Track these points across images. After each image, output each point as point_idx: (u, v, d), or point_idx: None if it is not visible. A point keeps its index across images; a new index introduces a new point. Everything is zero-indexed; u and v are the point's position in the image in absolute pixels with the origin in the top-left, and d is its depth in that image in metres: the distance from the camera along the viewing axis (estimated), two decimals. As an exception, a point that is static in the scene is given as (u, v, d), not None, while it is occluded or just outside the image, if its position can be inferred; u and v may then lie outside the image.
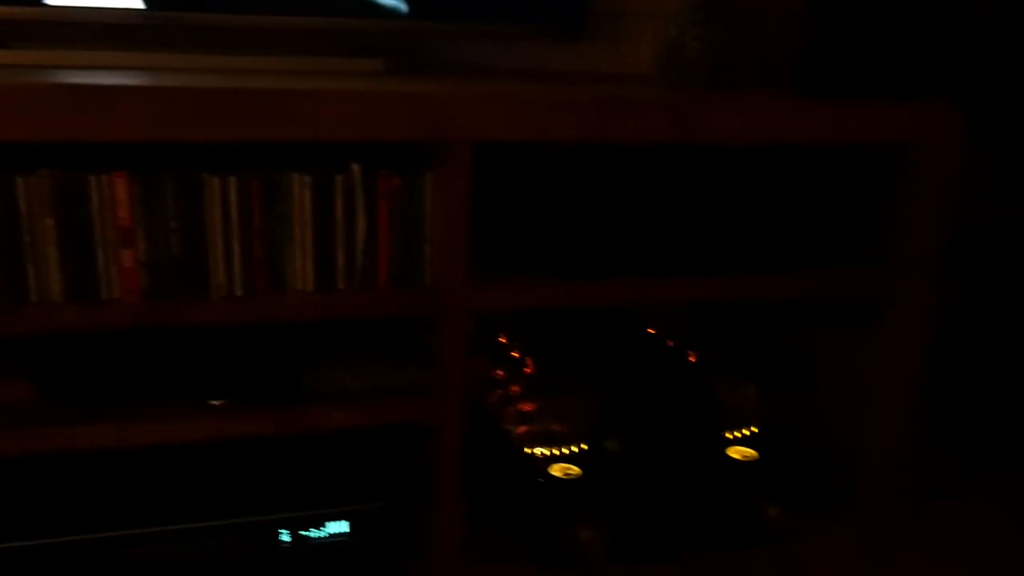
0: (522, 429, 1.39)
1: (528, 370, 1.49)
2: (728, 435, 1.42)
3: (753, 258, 1.42)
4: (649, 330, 1.60)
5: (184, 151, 1.08)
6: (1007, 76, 1.69)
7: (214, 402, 1.16)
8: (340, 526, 1.23)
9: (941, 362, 1.80)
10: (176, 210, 1.08)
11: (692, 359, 1.52)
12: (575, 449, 1.36)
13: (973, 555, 1.49)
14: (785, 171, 1.52)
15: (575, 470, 1.33)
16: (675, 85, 1.37)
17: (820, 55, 1.41)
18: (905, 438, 1.43)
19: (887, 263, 1.37)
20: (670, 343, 1.56)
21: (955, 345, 2.00)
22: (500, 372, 1.51)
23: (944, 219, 1.36)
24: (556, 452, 1.35)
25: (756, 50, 1.52)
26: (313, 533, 1.22)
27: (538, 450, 1.35)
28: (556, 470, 1.33)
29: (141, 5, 1.33)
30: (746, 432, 1.43)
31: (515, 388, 1.45)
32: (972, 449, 1.87)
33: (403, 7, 1.43)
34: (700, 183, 1.51)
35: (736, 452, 1.41)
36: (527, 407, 1.41)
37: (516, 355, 1.52)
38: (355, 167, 1.14)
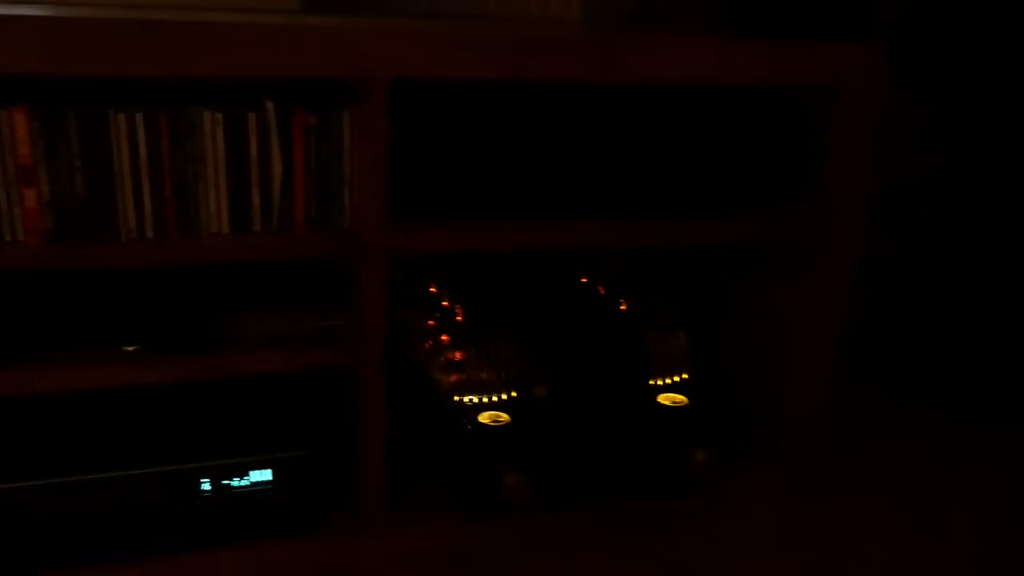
0: (452, 378, 1.38)
1: (459, 319, 1.47)
2: (658, 382, 1.42)
3: (681, 203, 1.42)
4: (581, 279, 1.59)
5: (92, 87, 1.04)
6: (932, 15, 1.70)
7: (127, 348, 1.13)
8: (263, 475, 1.21)
9: (870, 308, 1.83)
10: (80, 148, 1.04)
11: (623, 307, 1.51)
12: (504, 397, 1.35)
13: (897, 498, 1.51)
14: (719, 117, 1.51)
15: (504, 417, 1.32)
16: (600, 26, 1.36)
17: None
18: (829, 385, 1.44)
19: (812, 209, 1.37)
20: (601, 291, 1.56)
21: (885, 292, 2.04)
22: (430, 322, 1.49)
23: (869, 164, 1.36)
24: (485, 400, 1.34)
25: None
26: (235, 482, 1.20)
27: (467, 398, 1.34)
28: (485, 418, 1.32)
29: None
30: (676, 379, 1.43)
31: (445, 337, 1.44)
32: (896, 396, 1.90)
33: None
34: (629, 127, 1.50)
35: (666, 398, 1.41)
36: (457, 356, 1.40)
37: (446, 304, 1.50)
38: (269, 104, 1.11)
